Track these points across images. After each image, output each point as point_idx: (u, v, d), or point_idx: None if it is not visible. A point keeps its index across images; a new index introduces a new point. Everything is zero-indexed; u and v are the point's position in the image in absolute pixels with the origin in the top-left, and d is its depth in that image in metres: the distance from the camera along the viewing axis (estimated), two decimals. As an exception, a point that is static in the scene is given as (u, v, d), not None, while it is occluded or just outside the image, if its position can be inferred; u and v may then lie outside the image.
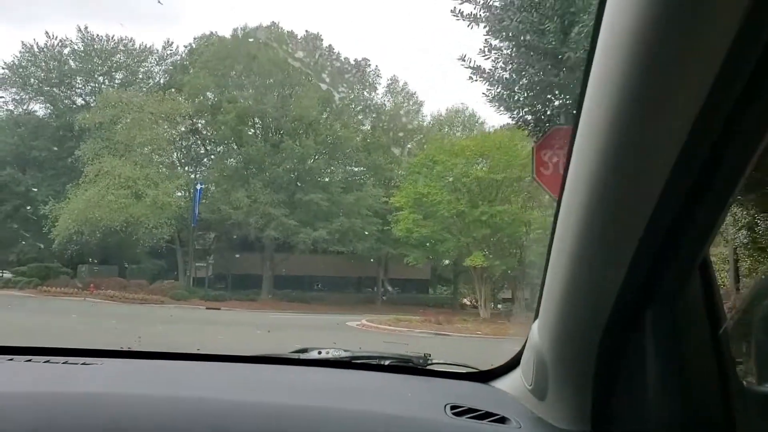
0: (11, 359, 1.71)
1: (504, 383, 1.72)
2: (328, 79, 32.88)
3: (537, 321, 1.31)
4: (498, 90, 8.82)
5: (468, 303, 37.43)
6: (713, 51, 0.71)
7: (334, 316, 23.10)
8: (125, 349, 2.18)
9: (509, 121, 9.62)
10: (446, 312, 26.71)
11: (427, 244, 26.40)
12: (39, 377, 1.55)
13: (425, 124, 36.79)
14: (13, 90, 35.76)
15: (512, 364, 1.68)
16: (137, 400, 1.32)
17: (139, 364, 1.88)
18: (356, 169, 34.62)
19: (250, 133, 32.86)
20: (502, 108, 9.01)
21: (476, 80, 8.88)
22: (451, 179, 24.44)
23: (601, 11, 0.84)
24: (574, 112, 0.98)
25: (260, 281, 32.31)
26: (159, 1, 37.57)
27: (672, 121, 0.78)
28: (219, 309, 26.14)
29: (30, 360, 1.71)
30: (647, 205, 0.87)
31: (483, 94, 8.94)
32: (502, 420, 1.34)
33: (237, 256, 33.63)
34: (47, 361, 1.69)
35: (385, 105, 36.55)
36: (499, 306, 27.72)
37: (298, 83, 32.22)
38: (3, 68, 34.98)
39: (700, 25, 0.70)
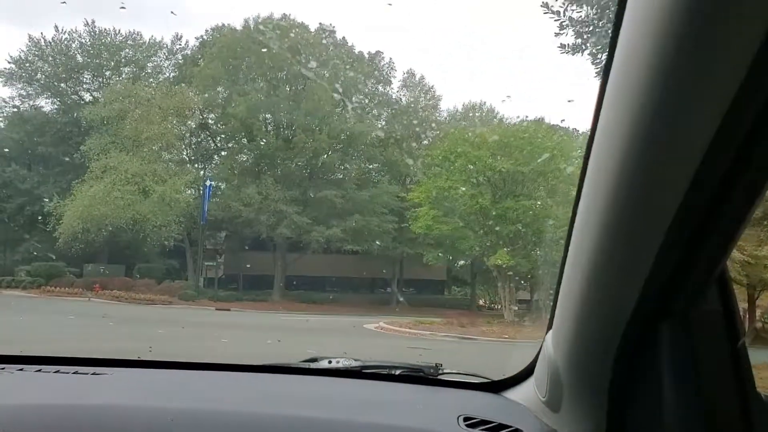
0: (21, 369, 1.71)
1: (516, 394, 1.67)
2: (340, 86, 31.67)
3: (551, 332, 1.28)
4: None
5: (484, 304, 36.66)
6: (740, 52, 0.68)
7: (349, 318, 22.53)
8: (135, 358, 2.11)
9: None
10: (468, 314, 25.55)
11: (447, 242, 25.19)
12: (49, 388, 1.54)
13: (441, 118, 35.75)
14: (20, 85, 35.07)
15: (525, 374, 1.64)
16: (148, 412, 1.29)
17: (150, 374, 1.86)
18: (371, 166, 33.53)
19: (261, 127, 31.77)
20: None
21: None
22: (474, 172, 23.16)
23: (623, 8, 0.82)
24: (591, 119, 0.96)
25: (272, 282, 31.43)
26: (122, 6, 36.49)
27: (693, 132, 0.76)
28: (229, 310, 25.33)
29: (40, 370, 1.70)
30: (665, 216, 0.85)
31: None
32: None
33: (248, 255, 32.86)
34: (57, 371, 1.68)
35: (401, 100, 35.60)
36: (514, 308, 26.46)
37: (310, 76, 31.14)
38: (9, 63, 34.25)
39: (728, 23, 0.67)
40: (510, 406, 1.64)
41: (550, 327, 1.32)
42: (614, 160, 0.87)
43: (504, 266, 22.14)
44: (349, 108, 31.37)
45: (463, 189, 22.76)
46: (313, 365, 2.01)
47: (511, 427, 1.34)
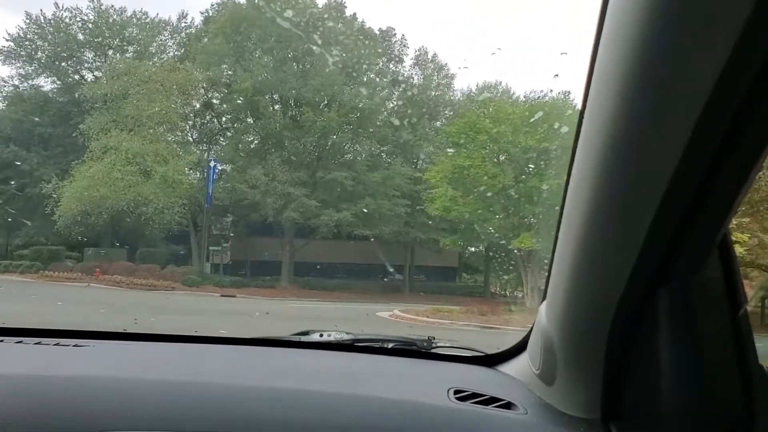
0: (1, 340, 1.70)
1: (510, 368, 1.67)
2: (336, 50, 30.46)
3: (545, 302, 1.26)
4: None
5: (497, 291, 35.80)
6: (721, 41, 0.71)
7: (360, 305, 21.72)
8: (120, 331, 2.00)
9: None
10: (486, 301, 24.45)
11: (464, 226, 23.93)
12: (29, 359, 1.51)
13: (456, 98, 34.49)
14: (19, 64, 34.03)
15: (519, 347, 1.64)
16: (130, 384, 1.26)
17: (134, 346, 1.83)
18: (383, 147, 32.36)
19: (267, 105, 30.60)
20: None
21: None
22: (495, 149, 21.82)
23: (605, 4, 0.85)
24: (585, 78, 0.95)
25: (280, 268, 30.51)
26: None
27: (690, 89, 0.76)
28: (234, 297, 24.33)
29: (21, 341, 1.69)
30: (662, 179, 0.84)
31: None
32: (508, 405, 1.29)
33: (255, 241, 32.05)
34: (38, 343, 1.67)
35: (413, 78, 34.39)
36: (536, 294, 25.32)
37: (320, 50, 29.93)
38: (7, 41, 33.15)
39: (707, 18, 0.71)
40: (503, 379, 1.61)
41: (544, 297, 1.28)
42: (608, 122, 0.85)
43: (528, 250, 20.90)
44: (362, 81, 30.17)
45: (484, 167, 21.46)
46: (304, 338, 2.00)
47: (503, 400, 1.31)
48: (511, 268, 28.18)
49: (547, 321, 1.23)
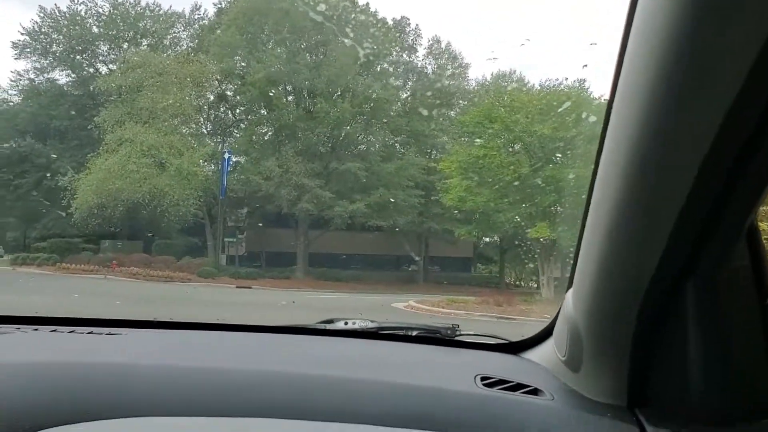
0: (36, 329, 1.73)
1: (535, 355, 1.67)
2: (354, 37, 30.32)
3: (571, 290, 1.29)
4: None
5: (511, 282, 35.72)
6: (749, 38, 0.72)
7: (375, 296, 21.69)
8: (150, 320, 2.02)
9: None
10: (502, 292, 24.33)
11: (478, 216, 23.79)
12: (65, 347, 1.54)
13: (469, 88, 34.29)
14: (34, 58, 34.26)
15: (543, 335, 1.65)
16: (164, 370, 1.29)
17: (164, 334, 1.88)
18: (396, 138, 32.27)
19: (281, 96, 30.56)
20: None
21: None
22: (511, 138, 21.64)
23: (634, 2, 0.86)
24: (615, 66, 0.95)
25: (295, 259, 30.49)
26: None
27: (721, 80, 0.76)
28: (250, 288, 24.38)
29: (55, 330, 1.73)
30: (691, 170, 0.84)
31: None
32: (535, 392, 1.30)
33: (270, 232, 32.11)
34: (72, 332, 1.71)
35: (426, 68, 34.26)
36: (553, 285, 25.14)
37: (333, 41, 29.82)
38: (22, 34, 33.33)
39: (736, 14, 0.71)
40: (528, 366, 1.61)
41: (570, 285, 1.30)
42: (638, 111, 0.85)
43: (543, 240, 20.73)
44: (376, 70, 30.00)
45: (500, 157, 21.28)
46: (329, 326, 2.00)
47: (529, 386, 1.31)
48: (527, 258, 28.07)
49: (574, 308, 1.23)
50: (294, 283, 26.73)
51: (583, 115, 20.17)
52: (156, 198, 26.67)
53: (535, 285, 26.59)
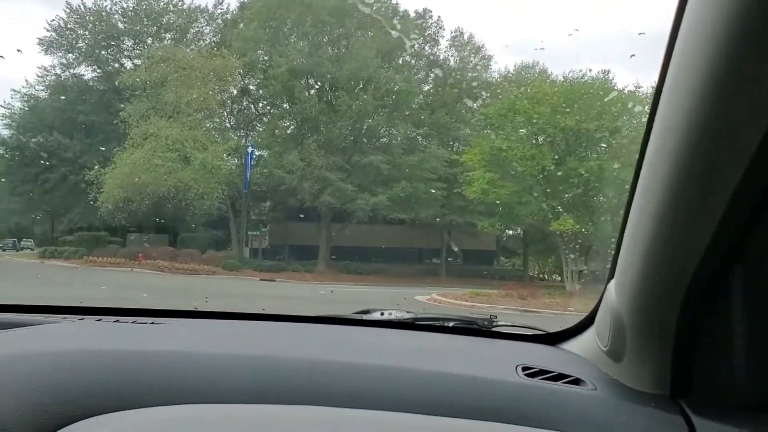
0: (82, 319, 1.77)
1: (573, 345, 1.67)
2: (398, 26, 30.28)
3: (614, 280, 1.28)
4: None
5: (534, 275, 35.48)
6: None
7: (397, 289, 21.53)
8: (192, 309, 2.14)
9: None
10: (525, 285, 24.18)
11: (501, 209, 23.66)
12: (112, 336, 1.56)
13: (491, 79, 33.99)
14: (60, 53, 34.68)
15: (581, 326, 1.65)
16: (208, 358, 1.29)
17: (206, 323, 1.90)
18: (419, 130, 32.17)
19: (303, 90, 30.64)
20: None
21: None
22: (534, 130, 21.45)
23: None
24: (662, 61, 0.96)
25: (317, 252, 30.59)
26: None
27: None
28: (274, 281, 24.55)
29: (100, 320, 1.77)
30: (743, 159, 0.83)
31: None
32: (577, 381, 1.29)
33: (293, 225, 32.26)
34: (116, 321, 1.74)
35: (449, 60, 33.99)
36: (577, 278, 24.92)
37: (354, 35, 29.80)
38: (48, 30, 33.76)
39: None
40: (568, 356, 1.60)
41: (611, 276, 1.31)
42: (690, 93, 0.84)
43: (568, 233, 20.54)
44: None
45: (523, 149, 21.11)
46: (365, 317, 2.03)
47: (571, 376, 1.31)
48: (550, 251, 27.89)
49: (618, 299, 1.23)
50: (316, 277, 26.84)
51: (629, 105, 19.98)
52: (181, 192, 26.96)
53: (559, 278, 26.44)
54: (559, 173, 20.96)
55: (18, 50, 44.91)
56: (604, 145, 20.92)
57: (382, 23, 30.14)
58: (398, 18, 31.47)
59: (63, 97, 33.67)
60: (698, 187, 0.91)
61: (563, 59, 44.89)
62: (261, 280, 24.75)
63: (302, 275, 26.82)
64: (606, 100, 20.17)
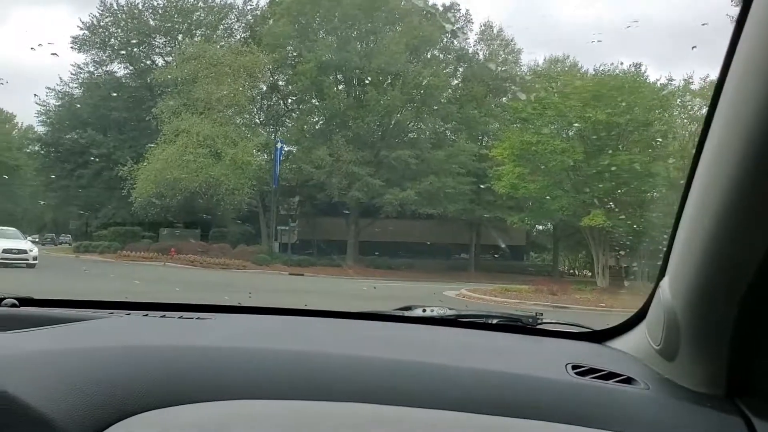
0: (129, 314, 1.78)
1: (621, 344, 1.62)
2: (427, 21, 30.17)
3: (667, 277, 1.26)
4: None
5: (565, 270, 35.11)
6: None
7: (426, 285, 21.52)
8: (236, 305, 2.16)
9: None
10: (556, 281, 23.93)
11: (531, 204, 23.43)
12: (161, 331, 1.59)
13: (522, 73, 33.65)
14: (93, 51, 35.27)
15: (629, 324, 1.61)
16: (255, 354, 1.31)
17: (251, 319, 1.90)
18: (447, 125, 32.01)
19: (331, 86, 30.70)
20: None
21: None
22: (565, 124, 21.18)
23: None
24: (725, 54, 0.95)
25: (345, 247, 30.71)
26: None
27: None
28: (302, 275, 24.66)
29: (147, 315, 1.78)
30: None
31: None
32: (628, 380, 1.25)
33: (322, 220, 32.46)
34: (163, 316, 1.75)
35: (477, 54, 33.83)
36: (608, 274, 24.60)
37: (383, 29, 29.76)
38: (81, 29, 34.34)
39: None
40: (616, 355, 1.57)
41: (662, 274, 1.29)
42: (758, 88, 0.81)
43: (599, 228, 20.23)
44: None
45: (553, 143, 20.82)
46: (407, 313, 2.02)
47: (622, 375, 1.27)
48: (580, 246, 27.56)
49: (672, 296, 1.20)
50: (345, 271, 26.88)
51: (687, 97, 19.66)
52: (212, 187, 27.31)
53: (590, 274, 26.13)
54: (590, 168, 20.63)
55: (53, 53, 46.06)
56: (637, 140, 20.58)
57: (410, 18, 30.07)
58: (427, 12, 31.30)
59: (97, 94, 34.25)
60: (762, 186, 0.88)
61: (594, 54, 43.95)
62: (290, 274, 24.90)
63: (331, 270, 26.91)
64: (662, 93, 19.74)
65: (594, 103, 20.14)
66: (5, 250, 18.80)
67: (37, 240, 28.15)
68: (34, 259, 19.33)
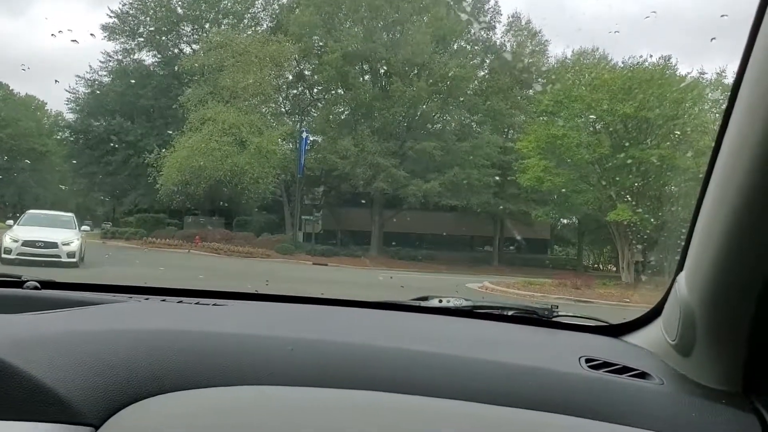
0: (147, 299, 1.81)
1: (637, 338, 1.61)
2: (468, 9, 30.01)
3: (684, 272, 1.25)
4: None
5: (589, 265, 34.81)
6: None
7: (449, 277, 21.54)
8: (253, 292, 2.11)
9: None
10: (580, 275, 23.66)
11: (556, 197, 23.19)
12: (174, 316, 1.59)
13: (549, 65, 33.23)
14: (122, 39, 35.62)
15: (645, 319, 1.60)
16: (271, 341, 1.31)
17: (268, 306, 1.94)
18: (473, 117, 31.79)
19: (357, 76, 30.67)
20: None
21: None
22: (592, 118, 20.89)
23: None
24: (743, 50, 0.95)
25: (369, 238, 30.70)
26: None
27: None
28: (326, 265, 24.71)
29: (164, 300, 1.81)
30: None
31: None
32: (643, 375, 1.25)
33: (346, 211, 32.47)
34: (180, 302, 1.78)
35: (505, 45, 33.45)
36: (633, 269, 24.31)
37: (409, 20, 29.58)
38: (111, 17, 34.70)
39: None
40: (632, 349, 1.56)
41: (680, 268, 1.28)
42: None
43: (625, 223, 19.95)
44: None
45: (580, 137, 20.53)
46: (424, 303, 2.02)
47: (636, 370, 1.27)
48: (605, 241, 27.24)
49: (689, 291, 1.19)
50: (368, 262, 26.98)
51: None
52: (237, 176, 27.43)
53: (614, 269, 25.88)
54: (617, 162, 20.33)
55: (73, 41, 46.62)
56: (665, 134, 20.22)
57: (437, 8, 29.86)
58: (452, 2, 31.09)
59: (125, 82, 34.62)
60: None
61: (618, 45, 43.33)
62: (314, 264, 24.98)
63: (354, 260, 26.95)
64: (667, 87, 19.42)
65: (622, 96, 19.83)
66: (26, 243, 14.31)
67: (89, 228, 21.56)
68: (71, 255, 14.65)
